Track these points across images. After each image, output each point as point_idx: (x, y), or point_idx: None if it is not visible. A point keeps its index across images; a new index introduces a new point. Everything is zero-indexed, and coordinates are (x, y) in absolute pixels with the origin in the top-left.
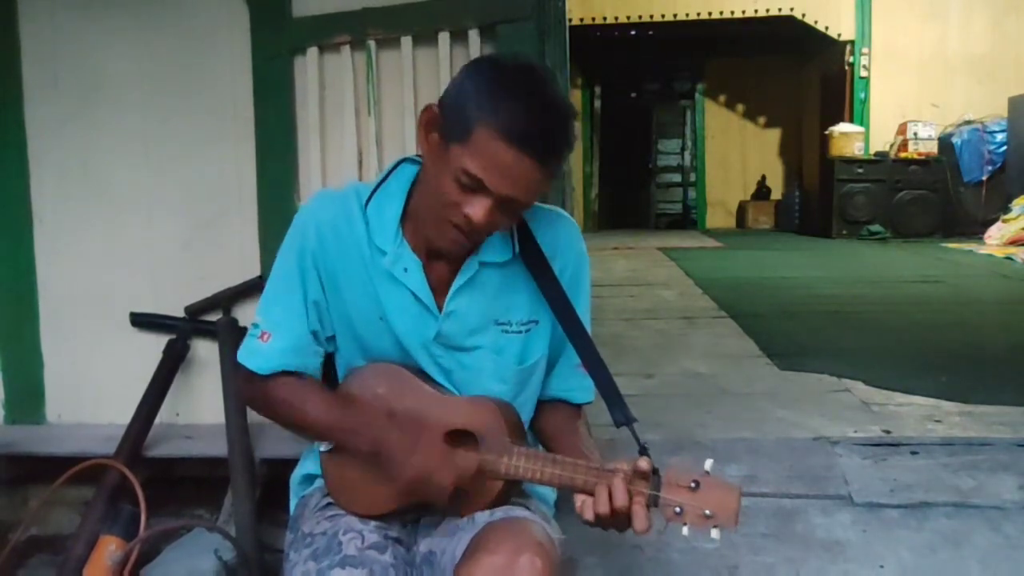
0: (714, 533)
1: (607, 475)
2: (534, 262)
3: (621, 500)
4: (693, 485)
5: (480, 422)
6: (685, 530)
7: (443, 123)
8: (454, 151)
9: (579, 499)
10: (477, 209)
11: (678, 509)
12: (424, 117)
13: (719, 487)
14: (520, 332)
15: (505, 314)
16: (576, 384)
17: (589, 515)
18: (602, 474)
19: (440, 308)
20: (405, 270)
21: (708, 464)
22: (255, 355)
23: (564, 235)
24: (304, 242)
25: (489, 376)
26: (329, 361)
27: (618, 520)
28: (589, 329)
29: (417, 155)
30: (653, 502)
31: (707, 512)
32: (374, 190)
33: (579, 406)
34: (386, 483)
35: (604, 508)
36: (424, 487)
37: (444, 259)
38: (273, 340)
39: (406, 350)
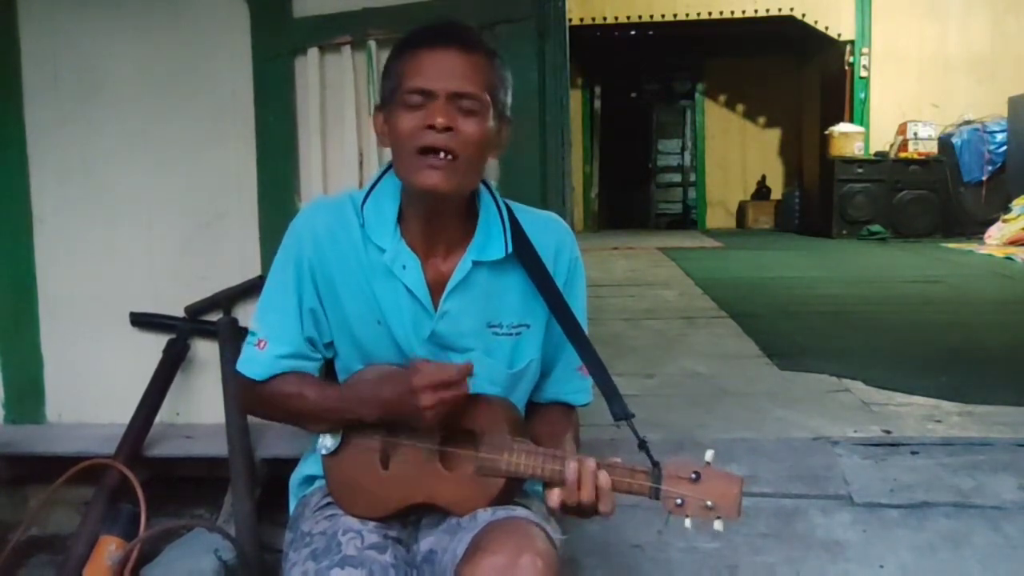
0: (717, 525)
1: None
2: (529, 261)
3: (587, 494)
4: (694, 476)
5: (480, 420)
6: (688, 523)
7: (383, 105)
8: (394, 98)
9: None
10: (433, 112)
11: (679, 501)
12: (376, 123)
13: (720, 478)
14: (510, 335)
15: (496, 316)
16: (574, 386)
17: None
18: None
19: (436, 307)
20: (404, 267)
21: (709, 455)
22: (253, 363)
23: (558, 239)
24: (301, 250)
25: (481, 378)
26: (329, 368)
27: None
28: (586, 332)
29: None
30: (654, 495)
31: (708, 503)
32: (368, 191)
33: (573, 408)
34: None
35: (573, 497)
36: (445, 396)
37: (440, 257)
38: (270, 347)
39: (404, 352)
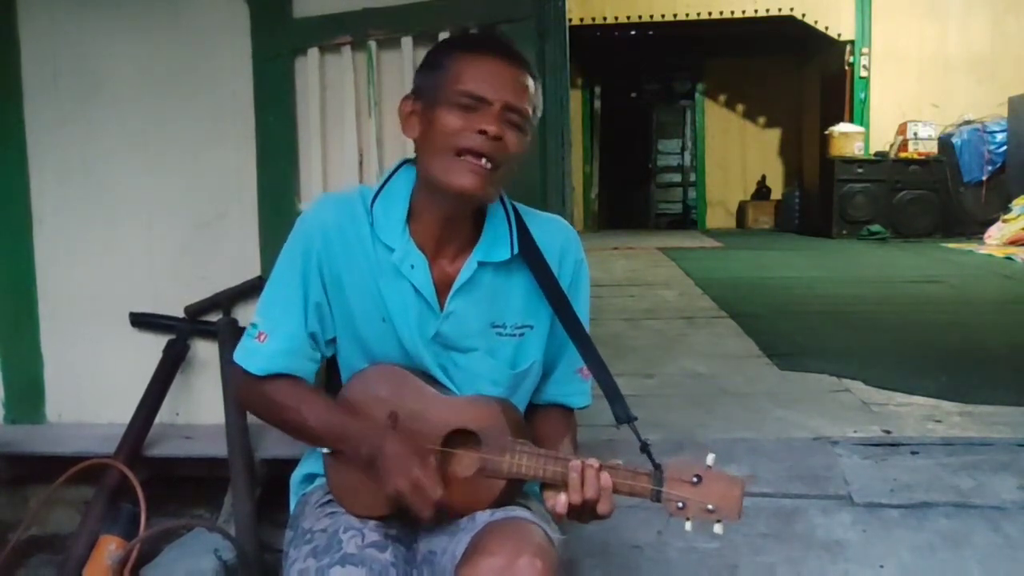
0: (717, 528)
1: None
2: (534, 263)
3: (591, 494)
4: (695, 479)
5: (482, 421)
6: (688, 525)
7: (420, 95)
8: (442, 94)
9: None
10: (487, 118)
11: (681, 504)
12: (402, 109)
13: (721, 480)
14: (514, 336)
15: (500, 317)
16: (574, 389)
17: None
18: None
19: (441, 307)
20: (412, 267)
21: (710, 459)
22: (252, 356)
23: (563, 241)
24: (309, 244)
25: (484, 379)
26: (332, 364)
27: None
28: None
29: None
30: (656, 497)
31: (710, 506)
32: (379, 190)
33: (571, 410)
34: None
35: (577, 497)
36: (408, 505)
37: (448, 257)
38: (270, 341)
39: (408, 351)
